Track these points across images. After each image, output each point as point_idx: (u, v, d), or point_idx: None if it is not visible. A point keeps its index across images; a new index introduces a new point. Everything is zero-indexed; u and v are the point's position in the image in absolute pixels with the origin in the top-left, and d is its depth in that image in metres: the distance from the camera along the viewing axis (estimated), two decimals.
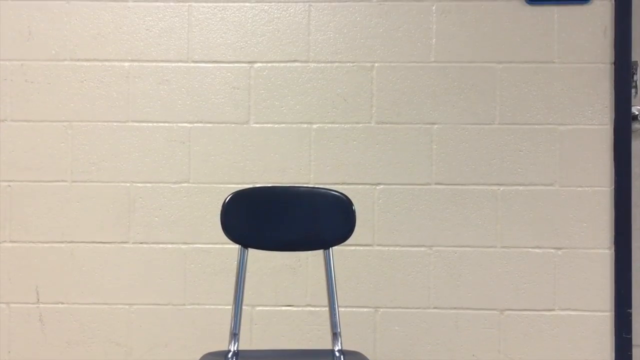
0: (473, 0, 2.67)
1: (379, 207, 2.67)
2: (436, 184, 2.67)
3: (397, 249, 2.67)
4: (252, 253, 2.66)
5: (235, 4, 2.70)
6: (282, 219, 2.16)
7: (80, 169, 2.69)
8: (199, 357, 1.96)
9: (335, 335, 2.07)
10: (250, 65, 2.69)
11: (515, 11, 2.67)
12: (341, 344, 2.06)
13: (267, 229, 2.15)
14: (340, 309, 2.66)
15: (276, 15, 2.70)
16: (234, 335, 2.05)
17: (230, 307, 2.68)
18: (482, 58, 2.67)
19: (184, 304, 2.70)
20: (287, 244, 2.21)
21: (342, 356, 1.98)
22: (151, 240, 2.69)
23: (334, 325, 2.08)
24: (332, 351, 2.03)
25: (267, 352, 2.27)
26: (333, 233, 2.16)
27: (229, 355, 1.98)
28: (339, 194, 2.18)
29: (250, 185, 2.65)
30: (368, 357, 1.97)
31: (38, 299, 2.70)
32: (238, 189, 2.20)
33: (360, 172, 2.67)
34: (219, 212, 2.67)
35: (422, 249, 2.66)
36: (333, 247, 2.15)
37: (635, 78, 2.69)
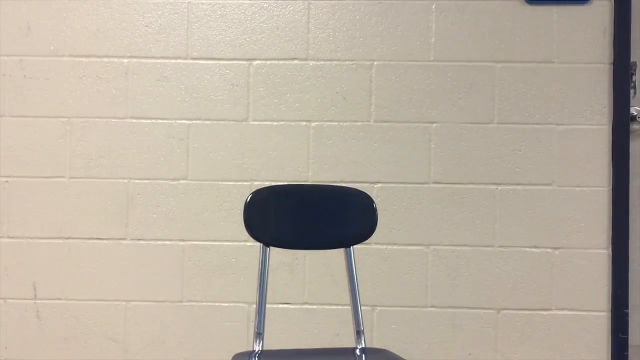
0: (472, 0, 2.67)
1: (377, 205, 2.65)
2: (434, 182, 2.67)
3: (394, 247, 2.67)
4: (249, 250, 2.66)
5: (235, 1, 2.70)
6: (303, 217, 2.13)
7: (78, 165, 2.69)
8: (230, 358, 1.93)
9: (358, 333, 2.05)
10: (249, 62, 2.69)
11: (514, 11, 2.67)
12: (364, 342, 2.05)
13: (289, 227, 2.11)
14: (337, 307, 2.67)
15: (276, 12, 2.70)
16: (259, 334, 2.02)
17: (227, 304, 2.69)
18: (481, 57, 2.67)
19: (182, 301, 2.69)
20: (308, 242, 2.18)
21: (363, 355, 1.97)
22: (149, 236, 2.69)
23: (357, 323, 2.07)
24: (354, 349, 2.01)
25: (290, 351, 2.25)
26: (355, 231, 2.14)
27: (255, 355, 1.96)
28: (360, 193, 2.17)
29: (249, 183, 2.65)
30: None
31: (35, 295, 2.70)
32: (260, 187, 2.18)
33: (358, 171, 2.67)
34: (219, 209, 2.68)
35: (420, 247, 2.67)
36: (352, 246, 2.12)
37: (634, 79, 2.69)
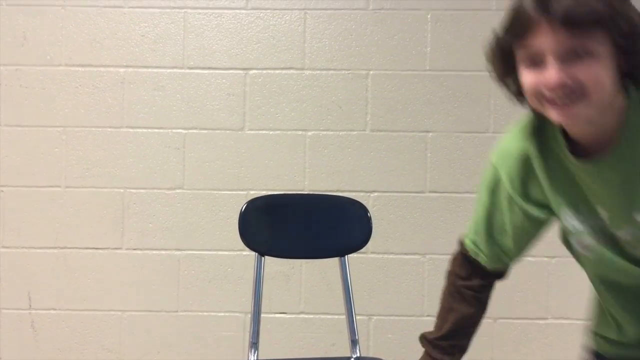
0: (468, 9, 2.69)
1: (373, 214, 2.64)
2: (430, 191, 2.67)
3: (391, 256, 2.67)
4: (245, 259, 2.66)
5: (231, 11, 2.71)
6: (299, 226, 2.13)
7: (74, 175, 2.69)
8: None
9: (353, 342, 2.05)
10: (245, 72, 2.70)
11: None
12: (360, 351, 2.04)
13: (284, 237, 2.11)
14: (333, 316, 2.67)
15: (272, 22, 2.70)
16: (254, 344, 2.02)
17: (222, 313, 2.68)
18: (476, 66, 2.68)
19: (177, 311, 2.69)
20: (303, 252, 2.18)
21: None
22: (145, 246, 2.68)
23: (352, 332, 2.06)
24: (349, 358, 2.01)
25: None
26: (350, 241, 2.14)
27: None
28: (355, 202, 2.17)
29: (245, 192, 2.65)
30: None
31: (30, 305, 2.68)
32: (255, 196, 2.18)
33: (354, 180, 2.67)
34: (215, 219, 2.68)
35: (416, 256, 2.67)
36: (347, 255, 2.12)
37: None
